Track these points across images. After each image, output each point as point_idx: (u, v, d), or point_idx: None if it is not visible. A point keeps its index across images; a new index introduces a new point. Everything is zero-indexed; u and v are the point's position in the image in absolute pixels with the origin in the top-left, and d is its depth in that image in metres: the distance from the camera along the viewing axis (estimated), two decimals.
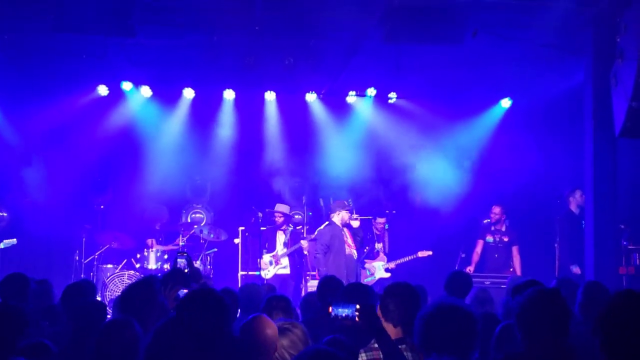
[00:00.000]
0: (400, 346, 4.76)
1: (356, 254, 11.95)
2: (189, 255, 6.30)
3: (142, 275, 12.19)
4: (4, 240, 12.17)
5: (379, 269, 13.30)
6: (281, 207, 13.37)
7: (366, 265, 13.34)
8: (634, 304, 2.93)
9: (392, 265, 13.32)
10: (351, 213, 12.24)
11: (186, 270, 6.15)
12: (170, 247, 13.51)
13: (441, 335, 3.87)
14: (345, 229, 11.96)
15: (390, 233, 13.82)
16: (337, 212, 11.96)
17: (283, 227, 13.26)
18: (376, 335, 4.46)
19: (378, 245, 13.58)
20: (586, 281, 7.04)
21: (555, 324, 4.04)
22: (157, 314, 4.95)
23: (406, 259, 13.30)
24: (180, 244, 13.38)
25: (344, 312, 4.33)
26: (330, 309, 4.43)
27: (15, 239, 12.45)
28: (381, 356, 4.65)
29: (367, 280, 13.09)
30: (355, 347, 4.64)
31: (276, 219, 13.26)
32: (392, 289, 5.00)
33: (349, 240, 11.86)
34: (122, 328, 4.74)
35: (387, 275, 13.15)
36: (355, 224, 12.21)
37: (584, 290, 6.07)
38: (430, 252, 13.21)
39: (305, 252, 13.15)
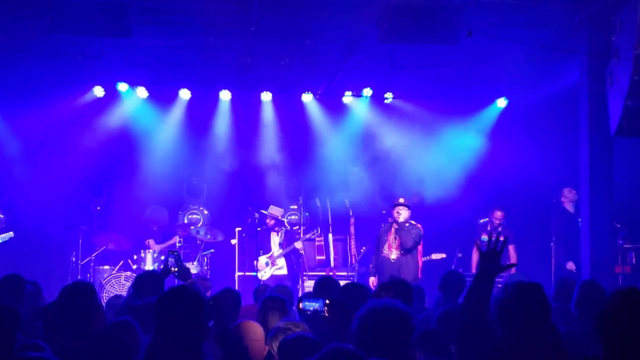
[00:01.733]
0: None
1: (395, 255, 11.34)
2: (179, 254, 6.32)
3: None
4: (0, 235, 12.16)
5: None
6: (273, 211, 13.33)
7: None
8: (635, 301, 2.94)
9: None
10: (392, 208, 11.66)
11: (174, 269, 6.17)
12: (170, 242, 13.55)
13: (376, 336, 3.83)
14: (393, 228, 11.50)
15: None
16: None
17: (275, 229, 13.25)
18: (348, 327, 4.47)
19: None
20: (582, 280, 7.07)
21: (533, 317, 3.99)
22: None
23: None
24: (177, 245, 13.38)
25: (312, 306, 4.33)
26: (300, 304, 4.44)
27: (12, 232, 12.44)
28: None
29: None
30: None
31: (267, 221, 13.26)
32: (386, 284, 5.02)
33: (391, 240, 11.43)
34: (123, 331, 4.75)
35: None
36: (404, 214, 11.48)
37: (580, 288, 6.10)
38: (444, 255, 13.04)
39: (301, 252, 13.16)
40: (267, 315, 5.88)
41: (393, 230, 11.37)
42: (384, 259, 11.30)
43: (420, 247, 11.58)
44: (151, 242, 13.47)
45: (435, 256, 13.05)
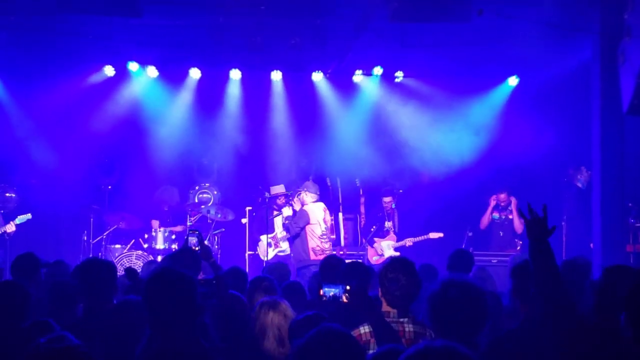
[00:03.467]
0: (401, 320, 4.80)
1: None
2: (200, 234, 6.32)
3: (150, 256, 12.36)
4: (19, 216, 12.23)
5: (388, 248, 13.29)
6: (277, 189, 13.38)
7: (375, 244, 13.36)
8: None
9: (409, 242, 13.25)
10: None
11: (196, 248, 6.18)
12: (178, 228, 13.56)
13: (452, 315, 3.85)
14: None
15: (398, 212, 13.79)
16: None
17: (282, 208, 13.25)
18: (367, 314, 4.48)
19: (388, 224, 13.53)
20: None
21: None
22: None
23: (417, 238, 13.26)
24: (188, 224, 13.42)
25: (331, 291, 4.34)
26: (321, 290, 4.46)
27: (29, 214, 12.49)
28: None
29: (375, 259, 13.11)
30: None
31: (278, 202, 13.25)
32: (390, 265, 5.02)
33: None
34: (131, 309, 4.79)
35: (397, 254, 13.09)
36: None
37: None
38: (441, 234, 13.15)
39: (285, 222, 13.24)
40: (253, 294, 5.96)
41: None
42: None
43: (309, 228, 12.06)
44: (155, 222, 13.50)
45: (433, 235, 13.11)
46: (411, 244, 13.23)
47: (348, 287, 4.36)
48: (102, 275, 5.47)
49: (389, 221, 13.57)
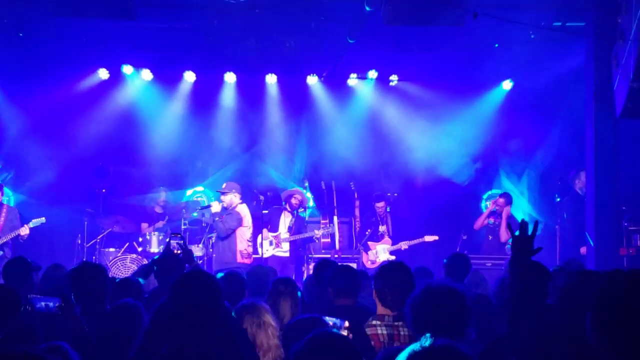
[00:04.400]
0: (396, 323, 4.81)
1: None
2: (183, 237, 6.32)
3: (144, 259, 12.34)
4: (33, 220, 12.22)
5: (383, 252, 13.28)
6: (299, 190, 13.39)
7: (370, 249, 13.36)
8: (627, 285, 2.91)
9: (404, 246, 13.23)
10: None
11: (178, 252, 6.17)
12: (159, 223, 13.57)
13: (432, 317, 3.85)
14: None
15: (392, 215, 13.79)
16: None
17: (292, 210, 13.18)
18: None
19: (382, 228, 13.52)
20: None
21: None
22: None
23: (413, 242, 13.24)
24: (182, 227, 13.40)
25: (331, 320, 4.30)
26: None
27: (44, 218, 12.45)
28: (378, 331, 4.79)
29: (370, 264, 13.11)
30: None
31: (293, 201, 13.17)
32: (385, 269, 5.03)
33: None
34: (129, 311, 4.79)
35: (392, 258, 13.08)
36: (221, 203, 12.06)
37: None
38: (436, 237, 13.11)
39: (316, 239, 13.22)
40: (278, 300, 5.84)
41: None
42: None
43: (241, 230, 11.91)
44: (144, 225, 13.50)
45: (428, 238, 13.11)
46: (406, 247, 13.21)
47: (347, 324, 4.32)
48: (95, 279, 5.47)
49: (382, 225, 13.57)
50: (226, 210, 11.91)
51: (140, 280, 6.52)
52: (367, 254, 13.35)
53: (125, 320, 4.78)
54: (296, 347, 3.26)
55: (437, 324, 3.80)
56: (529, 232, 4.03)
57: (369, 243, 13.38)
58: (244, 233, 12.03)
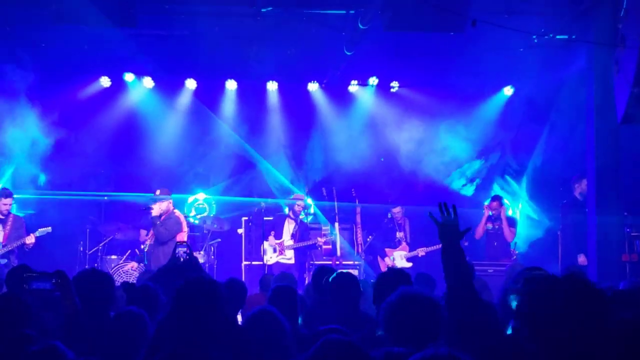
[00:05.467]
0: None
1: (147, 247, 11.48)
2: (189, 245, 6.32)
3: (146, 267, 12.33)
4: (39, 229, 12.23)
5: (400, 259, 13.25)
6: (301, 196, 13.40)
7: (386, 256, 13.34)
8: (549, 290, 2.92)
9: (422, 252, 13.19)
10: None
11: (182, 259, 6.17)
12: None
13: (403, 324, 3.87)
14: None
15: (410, 221, 13.68)
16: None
17: (294, 216, 13.18)
18: None
19: (399, 234, 13.50)
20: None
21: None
22: None
23: (430, 248, 13.15)
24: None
25: None
26: None
27: (50, 227, 12.46)
28: None
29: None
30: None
31: (297, 208, 13.19)
32: (385, 276, 5.03)
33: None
34: (133, 319, 4.79)
35: (409, 264, 13.04)
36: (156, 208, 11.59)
37: None
38: (439, 247, 13.04)
39: (318, 246, 13.19)
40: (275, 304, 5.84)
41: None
42: (141, 251, 11.39)
43: (181, 236, 11.55)
44: (143, 232, 13.50)
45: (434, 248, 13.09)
46: (424, 254, 13.17)
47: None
48: (98, 287, 5.47)
49: (400, 231, 13.53)
50: (160, 216, 11.58)
51: None
52: (383, 260, 13.35)
53: (128, 328, 4.78)
54: (306, 354, 3.27)
55: (410, 331, 3.82)
56: (451, 217, 3.97)
57: (386, 250, 13.37)
58: (182, 238, 11.82)
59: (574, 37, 10.83)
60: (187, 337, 3.83)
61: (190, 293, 3.91)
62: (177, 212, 11.92)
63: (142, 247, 13.23)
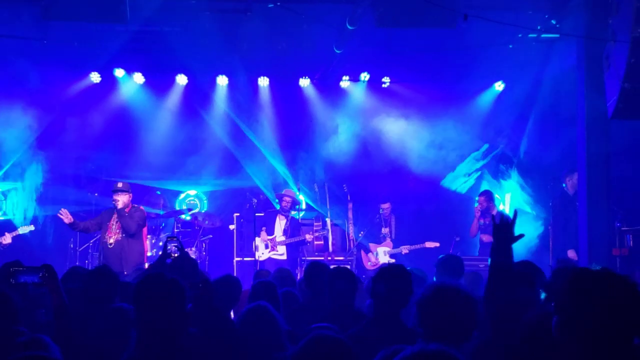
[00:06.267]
0: None
1: (114, 239, 11.02)
2: (179, 240, 6.32)
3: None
4: (21, 227, 12.19)
5: (383, 255, 13.26)
6: (290, 192, 13.39)
7: (370, 251, 13.35)
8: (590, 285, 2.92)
9: (405, 250, 13.21)
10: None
11: (175, 255, 6.16)
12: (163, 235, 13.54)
13: (439, 319, 3.84)
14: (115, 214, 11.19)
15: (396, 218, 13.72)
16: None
17: (285, 212, 13.18)
18: None
19: (384, 230, 13.51)
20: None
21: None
22: None
23: (413, 247, 13.19)
24: (175, 230, 13.40)
25: None
26: None
27: (32, 226, 12.43)
28: None
29: (370, 265, 13.12)
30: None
31: (284, 204, 13.20)
32: (383, 272, 5.02)
33: (112, 226, 11.12)
34: (122, 315, 4.78)
35: (392, 261, 13.05)
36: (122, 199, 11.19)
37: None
38: (437, 244, 13.04)
39: (308, 242, 13.20)
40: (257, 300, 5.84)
41: (115, 215, 11.09)
42: (104, 244, 11.05)
43: (145, 230, 11.41)
44: None
45: (429, 244, 13.09)
46: (407, 252, 13.19)
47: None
48: (109, 282, 5.51)
49: (385, 227, 13.54)
50: (124, 208, 11.22)
51: None
52: (367, 255, 13.35)
53: (117, 323, 4.78)
54: (294, 349, 3.27)
55: (445, 325, 3.82)
56: (510, 220, 4.03)
57: (370, 245, 13.37)
58: (145, 232, 11.75)
59: (565, 32, 10.83)
60: (151, 337, 3.82)
61: (148, 291, 3.89)
62: (141, 207, 11.71)
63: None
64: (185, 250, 6.42)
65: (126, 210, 11.09)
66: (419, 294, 4.03)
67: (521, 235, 4.08)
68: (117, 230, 11.01)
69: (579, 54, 10.70)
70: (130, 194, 11.31)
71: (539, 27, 11.00)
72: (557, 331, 2.87)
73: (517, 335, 3.63)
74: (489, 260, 4.02)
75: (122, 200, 11.08)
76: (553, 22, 10.90)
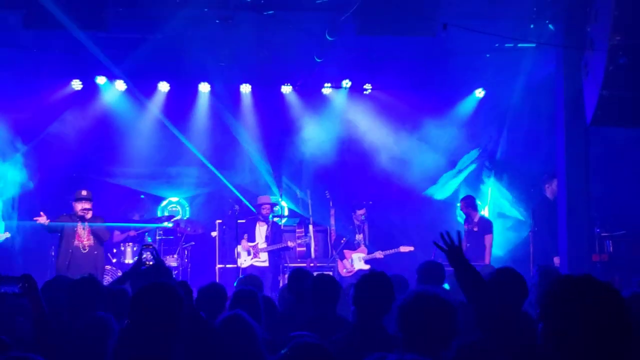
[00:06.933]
0: None
1: (87, 245, 11.01)
2: (155, 248, 6.31)
3: (118, 271, 12.28)
4: None
5: (358, 261, 13.29)
6: (265, 198, 13.39)
7: (345, 258, 13.38)
8: (573, 291, 2.95)
9: (379, 255, 13.24)
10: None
11: (150, 263, 6.16)
12: (132, 232, 13.47)
13: (419, 325, 3.87)
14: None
15: (369, 224, 13.79)
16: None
17: (265, 219, 13.19)
18: None
19: (358, 237, 13.54)
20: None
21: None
22: None
23: (388, 252, 13.24)
24: (157, 238, 13.37)
25: None
26: None
27: (8, 233, 12.37)
28: None
29: (345, 272, 13.14)
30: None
31: (263, 211, 13.22)
32: (365, 279, 5.05)
33: (80, 232, 11.06)
34: (102, 324, 4.77)
35: (367, 267, 13.10)
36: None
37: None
38: (411, 248, 13.11)
39: (291, 247, 13.22)
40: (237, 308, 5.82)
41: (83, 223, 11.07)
42: (76, 249, 10.99)
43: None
44: (116, 233, 13.43)
45: (404, 249, 13.14)
46: (382, 256, 13.23)
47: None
48: (92, 291, 5.49)
49: (359, 234, 13.58)
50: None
51: None
52: (342, 262, 13.37)
53: (96, 332, 4.77)
54: (277, 357, 3.29)
55: (424, 331, 3.83)
56: (456, 243, 4.07)
57: (345, 251, 13.40)
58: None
59: (543, 40, 10.93)
60: (146, 345, 3.82)
61: (148, 300, 3.91)
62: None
63: (114, 250, 13.16)
64: (161, 258, 6.41)
65: (90, 217, 11.07)
66: (400, 300, 4.05)
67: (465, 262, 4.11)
68: (88, 236, 10.98)
69: (558, 62, 10.79)
70: (92, 202, 11.28)
71: (517, 36, 11.08)
72: (542, 339, 2.90)
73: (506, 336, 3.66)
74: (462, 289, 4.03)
75: (90, 210, 11.05)
76: (532, 29, 10.98)
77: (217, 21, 11.02)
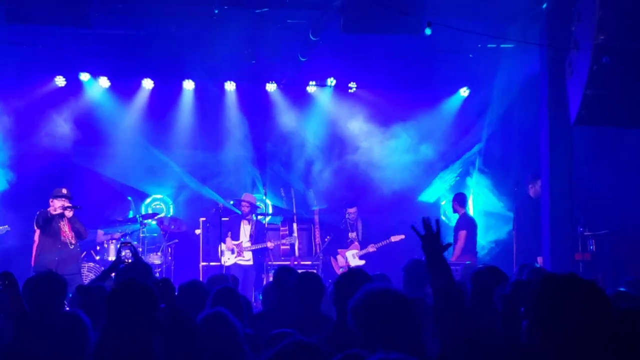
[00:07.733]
0: None
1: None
2: (133, 246, 6.29)
3: (102, 268, 12.20)
4: None
5: (352, 258, 13.30)
6: (249, 197, 13.36)
7: (339, 256, 13.38)
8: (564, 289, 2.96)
9: (372, 248, 13.25)
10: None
11: (129, 261, 6.14)
12: (117, 234, 13.38)
13: (372, 323, 3.80)
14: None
15: (362, 221, 13.77)
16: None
17: (248, 217, 13.20)
18: None
19: (352, 235, 13.55)
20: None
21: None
22: None
23: (380, 244, 13.27)
24: (141, 235, 13.30)
25: None
26: None
27: (7, 226, 12.28)
28: None
29: (342, 271, 13.12)
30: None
31: (242, 208, 13.21)
32: (344, 277, 5.03)
33: (63, 227, 10.97)
34: (74, 322, 4.73)
35: (362, 262, 13.10)
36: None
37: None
38: (402, 236, 13.09)
39: (271, 248, 13.21)
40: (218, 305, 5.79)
41: (64, 220, 10.98)
42: (64, 245, 10.94)
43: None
44: (100, 232, 13.36)
45: (394, 238, 13.15)
46: (374, 249, 13.25)
47: None
48: (49, 290, 5.41)
49: (352, 231, 13.58)
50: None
51: None
52: (336, 260, 13.37)
53: (70, 330, 4.73)
54: (267, 354, 3.26)
55: (380, 329, 3.76)
56: (434, 230, 3.94)
57: (339, 250, 13.41)
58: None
59: (528, 39, 10.96)
60: (125, 344, 3.80)
61: (121, 299, 3.89)
62: None
63: (97, 247, 13.09)
64: (140, 255, 6.38)
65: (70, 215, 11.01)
66: (351, 302, 3.96)
67: (448, 245, 4.01)
68: (71, 232, 10.94)
69: (542, 61, 10.84)
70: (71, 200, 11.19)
71: (502, 35, 11.11)
72: (528, 336, 2.91)
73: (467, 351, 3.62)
74: (431, 283, 3.94)
75: (70, 207, 10.97)
76: (516, 29, 11.01)
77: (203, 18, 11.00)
